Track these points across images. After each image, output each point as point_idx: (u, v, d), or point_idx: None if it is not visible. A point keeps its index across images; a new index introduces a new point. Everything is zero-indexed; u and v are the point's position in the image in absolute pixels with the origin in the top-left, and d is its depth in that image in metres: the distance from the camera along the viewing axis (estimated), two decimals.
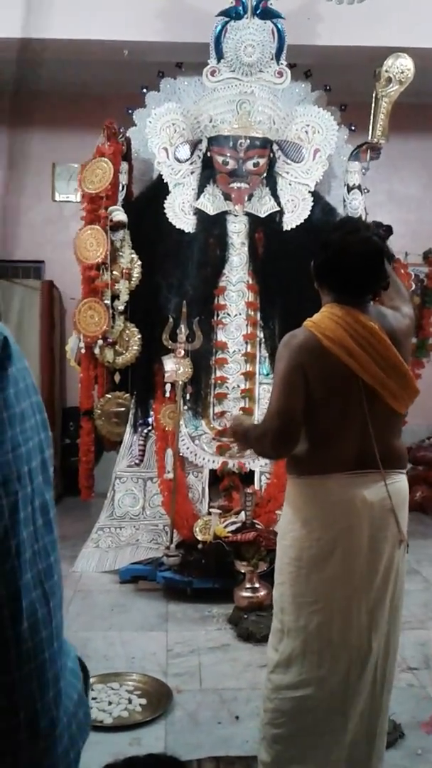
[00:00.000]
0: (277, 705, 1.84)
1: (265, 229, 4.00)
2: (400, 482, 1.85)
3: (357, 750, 1.84)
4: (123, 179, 4.03)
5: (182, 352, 3.81)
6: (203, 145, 4.02)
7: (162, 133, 4.01)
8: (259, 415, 3.98)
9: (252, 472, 3.94)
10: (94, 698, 2.56)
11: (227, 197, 3.99)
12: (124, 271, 3.94)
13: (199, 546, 3.57)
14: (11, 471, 0.60)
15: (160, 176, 4.08)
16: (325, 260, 1.86)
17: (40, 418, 0.66)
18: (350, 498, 1.78)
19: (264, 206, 3.99)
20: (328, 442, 1.80)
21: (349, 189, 4.09)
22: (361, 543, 1.78)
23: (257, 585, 3.28)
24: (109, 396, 4.06)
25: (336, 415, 1.79)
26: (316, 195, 4.08)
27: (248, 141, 3.91)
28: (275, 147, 4.04)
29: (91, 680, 2.64)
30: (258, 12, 3.96)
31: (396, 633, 1.88)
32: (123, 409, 4.08)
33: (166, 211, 3.98)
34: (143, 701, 2.55)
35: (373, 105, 3.98)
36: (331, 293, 1.87)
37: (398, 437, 1.89)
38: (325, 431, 1.80)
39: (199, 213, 3.99)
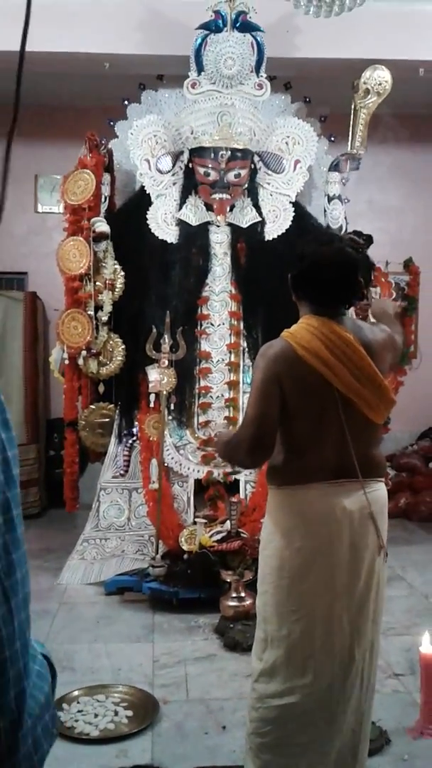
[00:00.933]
0: (262, 714, 1.84)
1: (247, 239, 4.03)
2: (378, 490, 1.87)
3: (342, 758, 1.84)
4: (105, 190, 4.05)
5: (166, 362, 3.81)
6: (185, 157, 4.05)
7: (144, 144, 4.03)
8: None
9: (237, 482, 3.95)
10: (80, 711, 2.55)
11: (209, 208, 4.02)
12: (107, 281, 3.95)
13: (185, 556, 3.57)
14: None
15: (142, 187, 4.10)
16: (301, 271, 1.88)
17: (1, 419, 0.66)
18: (330, 507, 1.79)
19: (246, 217, 4.03)
20: (306, 452, 1.82)
21: (330, 199, 4.14)
22: (342, 552, 1.79)
23: (243, 594, 3.28)
24: (93, 407, 4.05)
25: (313, 425, 1.80)
26: (297, 205, 4.12)
27: (229, 152, 3.94)
28: (256, 158, 4.08)
29: (77, 692, 2.64)
30: (237, 25, 4.01)
31: (378, 640, 1.90)
32: (107, 419, 4.07)
33: (148, 222, 4.00)
34: (129, 713, 2.54)
35: (351, 116, 4.04)
36: (308, 304, 1.89)
37: (376, 446, 1.92)
38: (303, 441, 1.82)
39: (182, 224, 4.01)
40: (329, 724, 1.81)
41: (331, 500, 1.79)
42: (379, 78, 4.00)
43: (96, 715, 2.51)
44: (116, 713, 2.53)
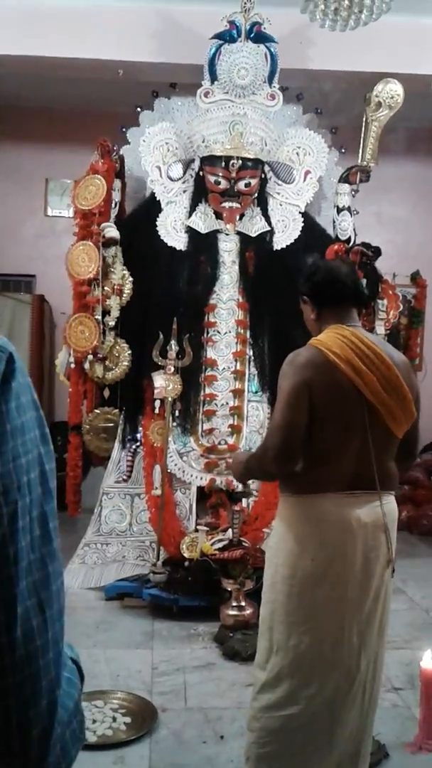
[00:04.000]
0: (264, 724, 1.83)
1: (255, 248, 4.04)
2: (391, 503, 1.88)
3: None
4: (116, 196, 4.07)
5: (172, 369, 3.82)
6: (196, 165, 4.07)
7: (155, 151, 4.05)
8: (247, 432, 3.99)
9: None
10: None
11: (219, 216, 4.03)
12: (115, 287, 3.96)
13: (186, 563, 3.56)
14: (11, 481, 0.62)
15: (152, 194, 4.12)
16: (319, 282, 1.96)
17: (40, 432, 0.68)
18: (345, 518, 1.79)
19: (255, 226, 4.04)
20: (326, 461, 1.81)
21: (339, 210, 4.15)
22: (355, 563, 1.79)
23: (243, 603, 3.28)
24: (97, 411, 4.06)
25: (338, 433, 1.80)
26: (306, 216, 4.13)
27: (240, 161, 3.96)
28: (267, 168, 4.10)
29: None
30: (252, 36, 4.03)
31: (383, 653, 1.90)
32: (111, 424, 4.08)
33: (158, 228, 4.02)
34: (128, 719, 2.53)
35: (363, 129, 4.05)
36: (332, 314, 1.93)
37: (392, 459, 1.92)
38: (325, 449, 1.81)
39: (191, 231, 4.02)
40: (330, 735, 1.81)
41: (347, 511, 1.79)
42: (391, 91, 4.02)
43: (94, 721, 2.51)
44: (114, 719, 2.53)
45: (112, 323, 3.96)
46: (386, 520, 1.82)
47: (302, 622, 1.80)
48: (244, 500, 3.88)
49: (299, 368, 1.79)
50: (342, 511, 1.79)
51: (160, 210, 4.05)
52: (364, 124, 4.05)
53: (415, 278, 5.82)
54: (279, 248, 4.05)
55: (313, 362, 1.79)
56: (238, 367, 4.05)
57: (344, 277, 1.95)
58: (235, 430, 3.98)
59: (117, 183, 4.09)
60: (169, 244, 4.02)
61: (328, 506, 1.80)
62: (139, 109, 4.34)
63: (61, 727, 0.67)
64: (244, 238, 4.05)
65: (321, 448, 1.81)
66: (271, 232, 4.07)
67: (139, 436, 4.04)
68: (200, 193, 4.06)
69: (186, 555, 3.59)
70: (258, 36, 4.04)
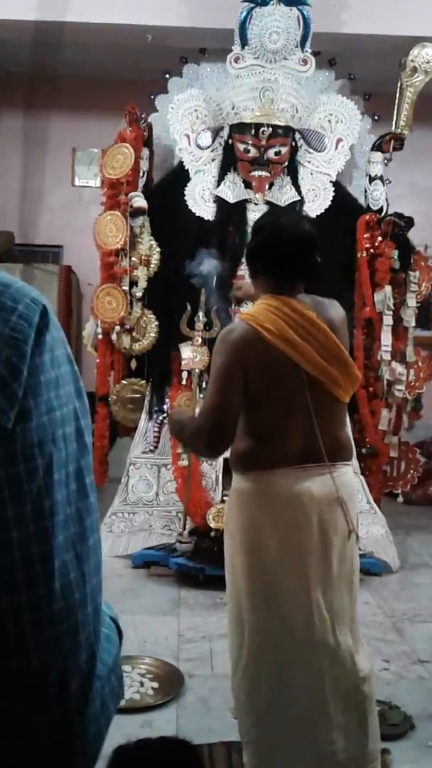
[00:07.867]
0: (254, 708, 1.77)
1: None
2: (346, 474, 1.82)
3: (351, 755, 1.76)
4: (144, 165, 4.03)
5: (199, 340, 3.81)
6: (225, 133, 4.00)
7: (184, 119, 3.99)
8: None
9: None
10: None
11: (248, 185, 3.97)
12: (142, 257, 3.94)
13: (212, 533, 3.59)
14: (46, 433, 0.61)
15: (181, 163, 4.07)
16: (259, 243, 1.83)
17: (74, 387, 0.67)
18: (297, 493, 1.73)
19: (284, 195, 3.97)
20: (273, 437, 1.76)
21: (371, 179, 4.06)
22: (311, 538, 1.73)
23: None
24: (125, 382, 4.07)
25: (279, 409, 1.74)
26: (337, 185, 4.05)
27: (270, 129, 3.88)
28: (297, 136, 4.01)
29: None
30: None
31: (358, 624, 1.84)
32: (138, 395, 4.09)
33: (186, 198, 3.98)
34: (155, 685, 2.58)
35: (397, 95, 3.95)
36: (266, 282, 1.83)
37: (343, 428, 1.86)
38: (269, 425, 1.75)
39: (219, 201, 3.97)
40: (325, 712, 1.74)
41: (298, 486, 1.73)
42: (428, 56, 3.89)
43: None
44: (142, 684, 2.57)
45: (139, 294, 3.95)
46: (341, 493, 1.75)
47: (267, 603, 1.74)
48: None
49: (231, 347, 1.71)
50: (293, 487, 1.72)
51: (188, 179, 4.00)
52: (398, 90, 3.94)
53: None
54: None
55: (245, 340, 1.71)
56: None
57: (286, 251, 1.76)
58: None
59: (145, 151, 4.04)
60: (197, 214, 3.97)
61: (279, 482, 1.73)
62: (167, 76, 4.26)
63: (101, 682, 0.67)
64: (273, 208, 3.98)
65: (265, 425, 1.75)
66: (301, 202, 3.99)
67: (165, 407, 4.05)
68: (229, 161, 3.99)
69: (212, 525, 3.61)
70: None
